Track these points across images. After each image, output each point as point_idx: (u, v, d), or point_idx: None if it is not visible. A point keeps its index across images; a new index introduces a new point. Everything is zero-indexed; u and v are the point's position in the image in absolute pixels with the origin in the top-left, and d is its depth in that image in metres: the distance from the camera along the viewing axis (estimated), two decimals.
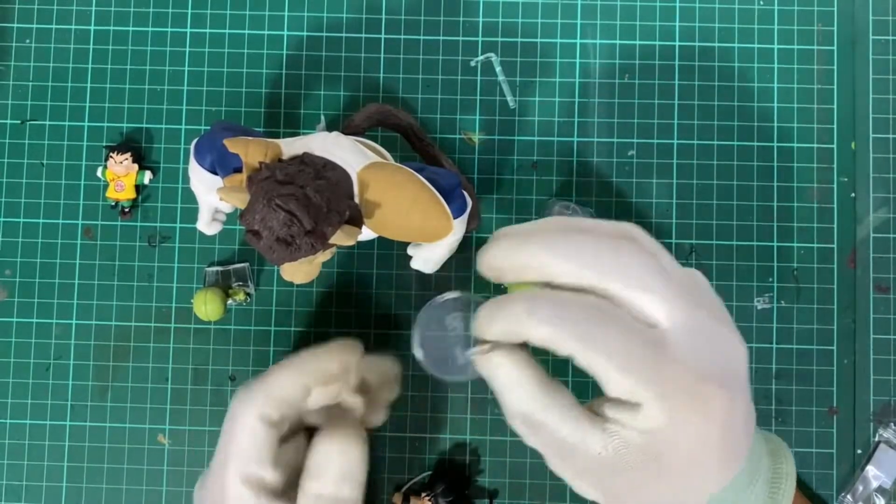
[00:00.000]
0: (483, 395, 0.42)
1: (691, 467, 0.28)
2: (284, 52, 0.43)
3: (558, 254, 0.28)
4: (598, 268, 0.28)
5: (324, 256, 0.33)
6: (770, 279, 0.42)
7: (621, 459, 0.27)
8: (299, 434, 0.34)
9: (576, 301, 0.28)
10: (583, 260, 0.28)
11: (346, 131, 0.39)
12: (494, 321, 0.28)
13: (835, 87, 0.43)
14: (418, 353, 0.35)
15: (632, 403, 0.27)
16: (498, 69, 0.43)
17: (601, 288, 0.28)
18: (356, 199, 0.33)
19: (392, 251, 0.42)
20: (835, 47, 0.43)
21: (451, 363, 0.36)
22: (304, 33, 0.43)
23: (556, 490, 0.41)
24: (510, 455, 0.41)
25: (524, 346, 0.29)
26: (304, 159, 0.33)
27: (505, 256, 0.29)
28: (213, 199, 0.37)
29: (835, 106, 0.43)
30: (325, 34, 0.43)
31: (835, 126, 0.43)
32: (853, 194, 0.43)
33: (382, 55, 0.43)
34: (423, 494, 0.35)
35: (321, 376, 0.33)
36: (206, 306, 0.40)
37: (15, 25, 0.44)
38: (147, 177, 0.42)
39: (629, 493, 0.28)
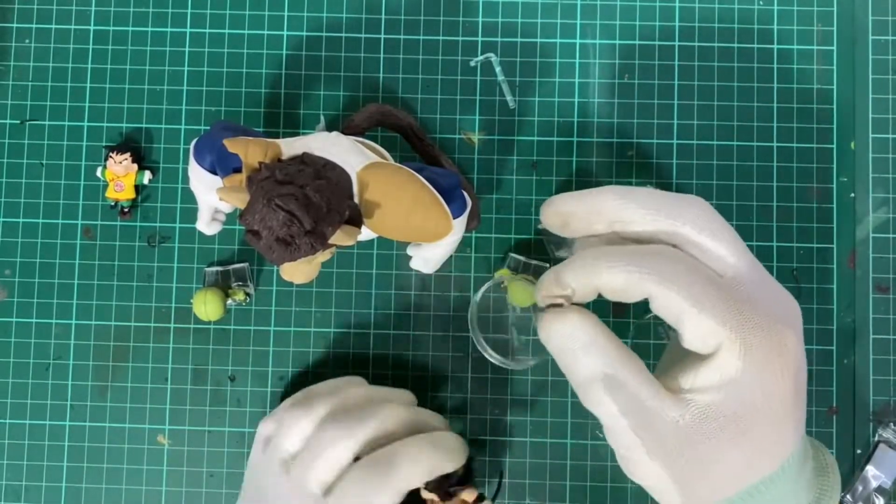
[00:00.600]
0: (483, 396, 0.42)
1: (767, 423, 0.27)
2: (284, 52, 0.43)
3: (631, 199, 0.29)
4: (670, 213, 0.28)
5: (323, 256, 0.33)
6: None
7: (699, 426, 0.27)
8: None
9: (647, 249, 0.28)
10: (655, 204, 0.28)
11: (346, 131, 0.39)
12: (566, 274, 0.28)
13: (834, 87, 0.43)
14: (488, 353, 0.36)
15: (705, 356, 0.27)
16: (498, 69, 0.43)
17: (672, 232, 0.28)
18: (356, 199, 0.33)
19: (392, 251, 0.42)
20: (835, 47, 0.43)
21: (514, 350, 0.36)
22: (304, 33, 0.43)
23: (556, 490, 0.41)
24: (510, 455, 0.41)
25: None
26: (304, 159, 0.33)
27: (578, 202, 0.30)
28: (212, 199, 0.37)
29: (834, 106, 0.43)
30: (324, 34, 0.43)
31: (834, 126, 0.43)
32: (853, 194, 0.43)
33: (382, 55, 0.43)
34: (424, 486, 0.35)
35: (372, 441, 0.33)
36: (206, 306, 0.40)
37: (14, 25, 0.44)
38: (147, 177, 0.42)
39: (702, 469, 0.27)
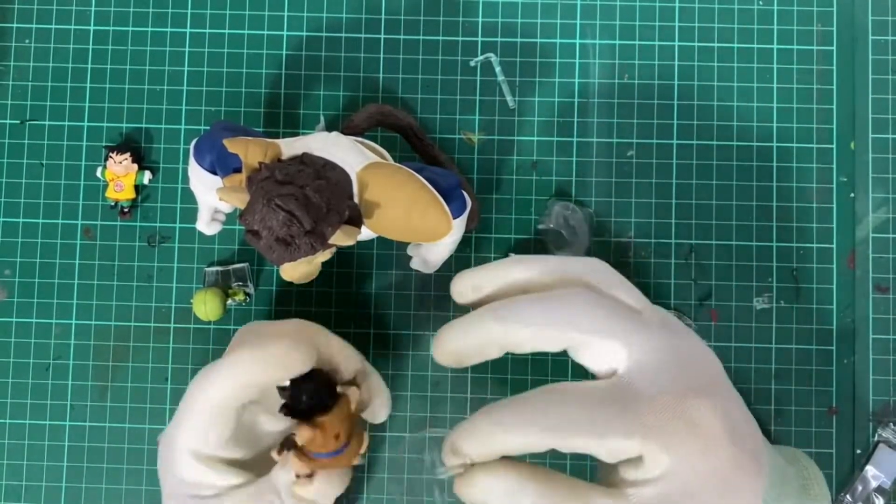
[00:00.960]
0: (483, 396, 0.42)
1: (718, 496, 0.27)
2: (284, 52, 0.43)
3: (513, 320, 0.28)
4: (554, 320, 0.28)
5: (323, 256, 0.33)
6: (769, 279, 0.42)
7: None
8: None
9: (530, 396, 0.28)
10: (540, 317, 0.28)
11: (346, 131, 0.39)
12: (465, 443, 0.28)
13: (834, 87, 0.43)
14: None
15: (633, 459, 0.27)
16: (497, 69, 0.43)
17: (562, 337, 0.28)
18: (356, 199, 0.33)
19: (392, 251, 0.42)
20: (834, 47, 0.43)
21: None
22: (304, 33, 0.43)
23: None
24: None
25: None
26: (304, 159, 0.33)
27: (463, 337, 0.29)
28: (212, 199, 0.37)
29: (834, 106, 0.43)
30: (324, 34, 0.43)
31: (834, 126, 0.43)
32: (852, 194, 0.43)
33: (382, 55, 0.43)
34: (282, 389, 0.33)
35: (289, 373, 0.32)
36: (206, 306, 0.40)
37: (14, 25, 0.44)
38: (146, 177, 0.42)
39: None
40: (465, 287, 0.31)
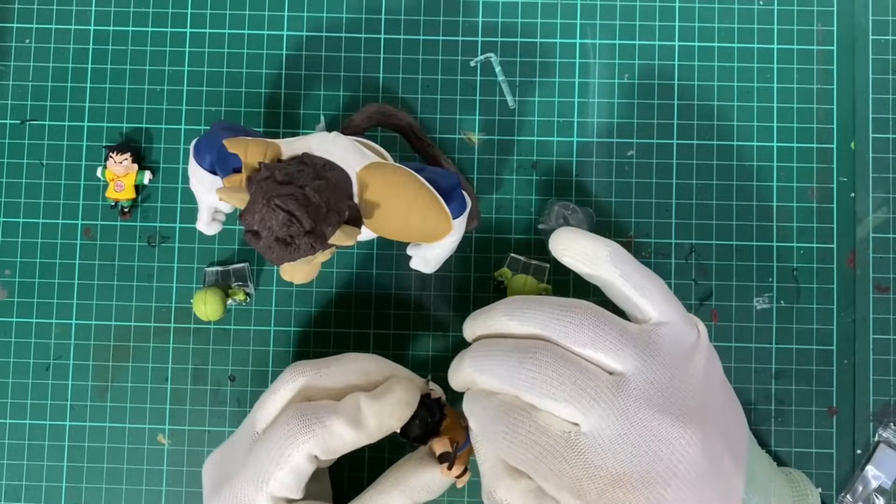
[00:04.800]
0: None
1: None
2: (284, 52, 0.43)
3: (483, 373, 0.31)
4: (518, 387, 0.30)
5: (323, 256, 0.33)
6: (770, 279, 0.42)
7: None
8: None
9: (501, 411, 0.30)
10: (506, 382, 0.30)
11: (346, 131, 0.39)
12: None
13: (834, 86, 0.43)
14: None
15: None
16: (497, 69, 0.43)
17: (520, 398, 0.30)
18: (356, 199, 0.33)
19: (392, 251, 0.42)
20: (834, 47, 0.43)
21: None
22: (304, 33, 0.43)
23: None
24: None
25: None
26: (304, 159, 0.33)
27: (453, 378, 0.33)
28: (212, 199, 0.37)
29: (834, 106, 0.43)
30: (324, 34, 0.43)
31: (834, 126, 0.43)
32: (853, 194, 0.43)
33: (382, 55, 0.43)
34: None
35: (382, 432, 0.33)
36: (206, 306, 0.40)
37: (14, 25, 0.44)
38: (147, 177, 0.42)
39: None
40: (467, 335, 0.34)
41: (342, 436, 0.31)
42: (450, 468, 0.33)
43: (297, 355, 0.42)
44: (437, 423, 0.34)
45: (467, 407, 0.32)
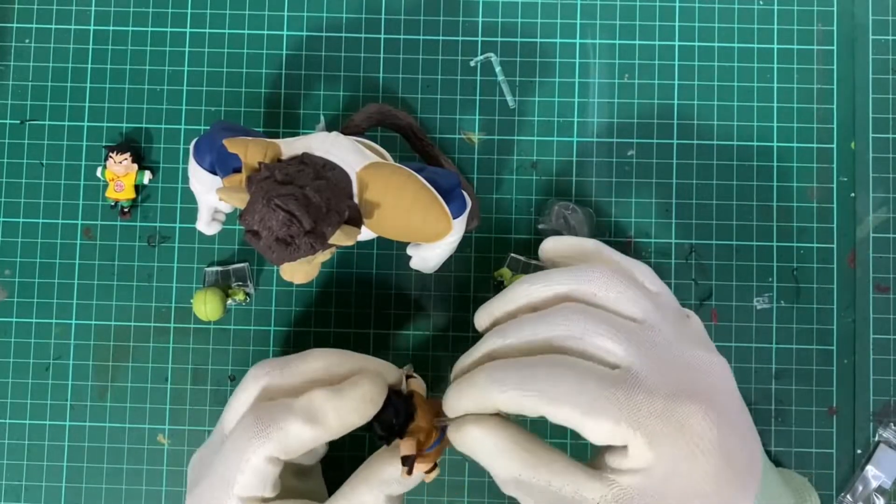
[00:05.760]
0: None
1: (698, 500, 0.27)
2: (284, 52, 0.43)
3: (505, 335, 0.30)
4: (546, 330, 0.29)
5: (323, 256, 0.33)
6: (770, 279, 0.42)
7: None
8: None
9: (536, 361, 0.28)
10: (523, 334, 0.29)
11: (346, 131, 0.39)
12: (462, 398, 0.29)
13: (834, 86, 0.43)
14: None
15: (619, 447, 0.27)
16: (497, 69, 0.43)
17: (556, 346, 0.29)
18: (356, 199, 0.33)
19: (392, 251, 0.42)
20: (835, 47, 0.43)
21: None
22: (304, 33, 0.43)
23: None
24: None
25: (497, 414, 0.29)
26: (304, 159, 0.33)
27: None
28: (212, 198, 0.37)
29: (834, 106, 0.43)
30: (324, 34, 0.43)
31: (834, 126, 0.43)
32: (853, 194, 0.43)
33: (382, 55, 0.43)
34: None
35: (345, 428, 0.31)
36: (206, 306, 0.40)
37: (14, 25, 0.44)
38: (146, 177, 0.42)
39: None
40: (481, 322, 0.33)
41: (299, 436, 0.31)
42: (408, 473, 0.32)
43: None
44: (402, 425, 0.32)
45: (488, 373, 0.29)
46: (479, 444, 0.29)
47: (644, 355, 0.28)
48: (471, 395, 0.29)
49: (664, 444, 0.26)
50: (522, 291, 0.31)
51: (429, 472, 0.33)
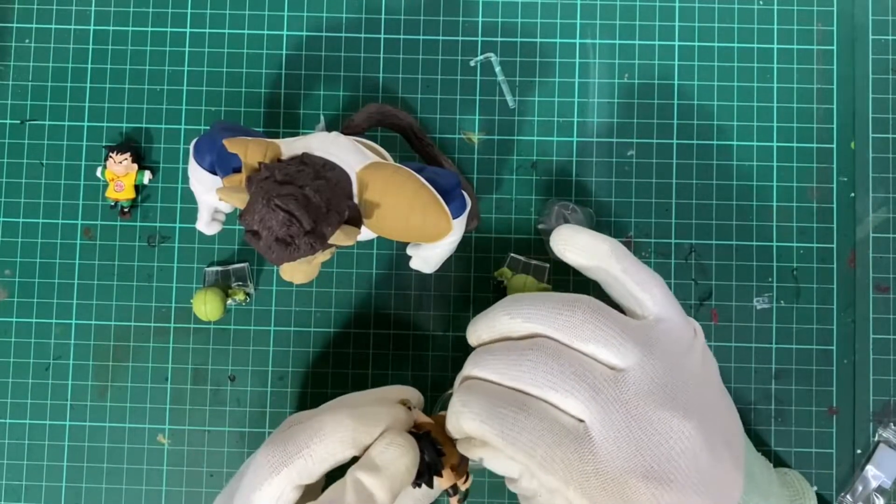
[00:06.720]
0: None
1: None
2: (284, 52, 0.43)
3: (481, 367, 0.30)
4: (512, 377, 0.29)
5: (323, 256, 0.33)
6: (769, 279, 0.42)
7: None
8: None
9: (505, 399, 0.29)
10: (495, 370, 0.30)
11: (346, 131, 0.39)
12: (448, 421, 0.31)
13: (834, 86, 0.43)
14: None
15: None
16: (497, 69, 0.43)
17: (526, 392, 0.29)
18: (356, 199, 0.33)
19: (392, 251, 0.42)
20: (834, 47, 0.43)
21: None
22: (304, 33, 0.43)
23: None
24: None
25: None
26: (304, 159, 0.33)
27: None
28: (212, 199, 0.37)
29: (834, 106, 0.43)
30: (324, 34, 0.43)
31: (834, 126, 0.43)
32: (853, 194, 0.43)
33: (382, 55, 0.43)
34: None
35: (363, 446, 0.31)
36: (206, 306, 0.40)
37: (14, 25, 0.44)
38: (146, 177, 0.42)
39: None
40: (470, 340, 0.33)
41: (323, 457, 0.30)
42: (461, 500, 0.33)
43: (297, 355, 0.42)
44: (437, 465, 0.32)
45: (462, 397, 0.30)
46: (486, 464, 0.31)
47: (606, 417, 0.28)
48: (451, 419, 0.30)
49: None
50: (502, 322, 0.31)
51: (465, 481, 0.34)
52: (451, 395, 0.32)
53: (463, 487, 0.34)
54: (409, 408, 0.34)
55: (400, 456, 0.30)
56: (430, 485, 0.32)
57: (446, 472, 0.32)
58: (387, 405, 0.32)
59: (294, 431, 0.31)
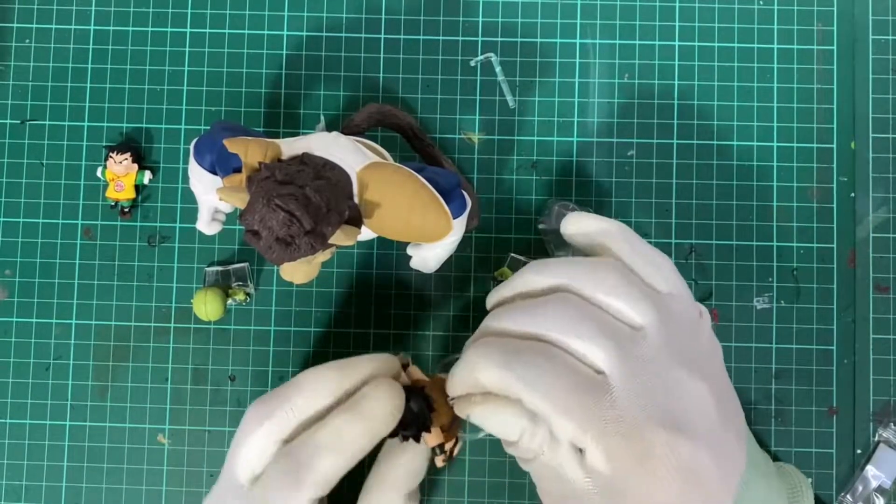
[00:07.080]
0: None
1: None
2: (284, 52, 0.43)
3: (500, 319, 0.30)
4: (535, 323, 0.29)
5: (323, 256, 0.33)
6: (770, 279, 0.42)
7: (586, 495, 0.27)
8: None
9: (524, 347, 0.28)
10: (515, 321, 0.29)
11: (346, 131, 0.39)
12: (455, 375, 0.30)
13: (834, 86, 0.43)
14: None
15: (579, 448, 0.28)
16: (497, 69, 0.43)
17: (544, 337, 0.29)
18: (356, 199, 0.33)
19: (392, 251, 0.42)
20: (835, 47, 0.43)
21: None
22: (304, 33, 0.43)
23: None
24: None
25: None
26: (304, 159, 0.33)
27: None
28: (212, 198, 0.37)
29: (834, 106, 0.43)
30: (324, 34, 0.43)
31: (834, 126, 0.43)
32: (853, 194, 0.43)
33: (382, 55, 0.43)
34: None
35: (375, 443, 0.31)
36: (206, 306, 0.40)
37: (15, 25, 0.44)
38: (147, 177, 0.42)
39: None
40: (490, 306, 0.33)
41: (335, 469, 0.30)
42: (447, 460, 0.32)
43: (297, 355, 0.42)
44: (425, 419, 0.31)
45: (479, 349, 0.29)
46: (485, 422, 0.29)
47: (626, 368, 0.28)
48: (461, 372, 0.30)
49: (623, 462, 0.27)
50: (528, 279, 0.31)
51: (454, 445, 0.33)
52: (454, 358, 0.31)
53: (455, 451, 0.33)
54: (406, 364, 0.33)
55: (380, 398, 0.30)
56: (417, 438, 0.32)
57: (435, 431, 0.32)
58: (374, 357, 0.32)
59: (278, 388, 0.31)
